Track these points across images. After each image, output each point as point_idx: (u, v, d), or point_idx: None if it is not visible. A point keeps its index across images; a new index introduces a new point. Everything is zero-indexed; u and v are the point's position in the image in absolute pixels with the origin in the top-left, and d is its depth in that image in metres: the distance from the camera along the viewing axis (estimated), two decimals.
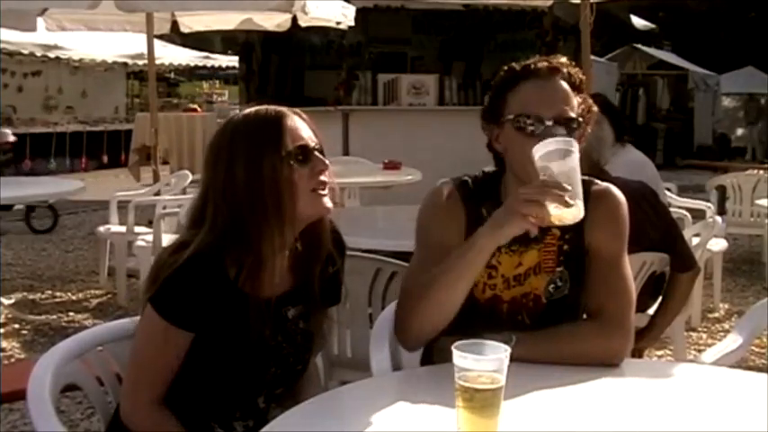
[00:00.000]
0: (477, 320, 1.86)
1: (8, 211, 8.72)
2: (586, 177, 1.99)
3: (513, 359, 1.44)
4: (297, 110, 1.84)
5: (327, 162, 1.80)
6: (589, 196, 1.95)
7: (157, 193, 6.41)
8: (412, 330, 1.88)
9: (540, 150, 1.69)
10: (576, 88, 1.93)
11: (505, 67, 1.97)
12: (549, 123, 1.85)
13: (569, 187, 1.66)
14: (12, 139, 10.61)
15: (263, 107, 1.82)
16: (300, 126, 1.80)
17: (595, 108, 1.98)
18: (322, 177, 1.79)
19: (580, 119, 1.90)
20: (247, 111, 1.83)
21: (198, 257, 1.71)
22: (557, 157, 1.67)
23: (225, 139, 1.80)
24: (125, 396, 1.80)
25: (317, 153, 1.79)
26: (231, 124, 1.82)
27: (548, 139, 1.70)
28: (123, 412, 1.78)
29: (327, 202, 1.80)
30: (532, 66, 1.93)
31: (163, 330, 1.73)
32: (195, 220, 1.80)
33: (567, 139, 1.72)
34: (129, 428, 1.77)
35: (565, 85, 1.91)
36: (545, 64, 1.93)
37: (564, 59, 1.96)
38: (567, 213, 1.66)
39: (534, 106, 1.87)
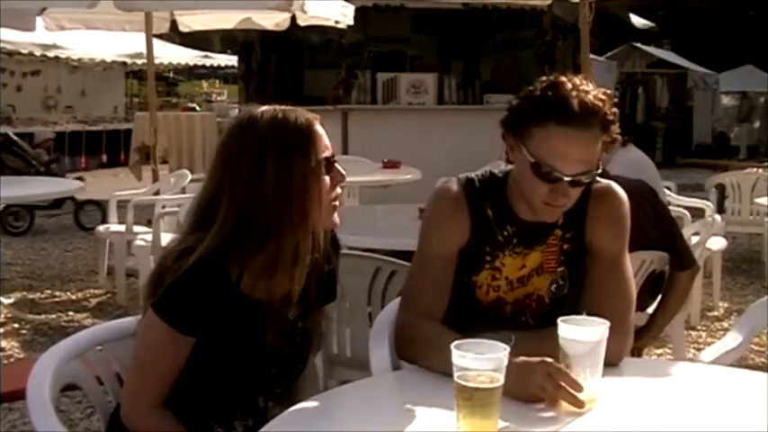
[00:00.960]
0: (480, 322, 1.86)
1: (58, 209, 8.80)
2: None
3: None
4: (318, 116, 1.82)
5: (345, 173, 1.81)
6: (590, 194, 1.95)
7: (157, 193, 6.40)
8: (409, 360, 1.89)
9: (566, 333, 1.60)
10: (606, 128, 1.82)
11: (539, 90, 1.83)
12: (568, 179, 1.80)
13: (586, 383, 1.58)
14: (51, 136, 10.66)
15: (291, 109, 1.80)
16: (324, 135, 1.79)
17: (619, 138, 1.88)
18: (338, 190, 1.80)
19: (597, 170, 1.83)
20: (273, 110, 1.78)
21: (202, 263, 1.69)
22: (583, 348, 1.60)
23: (250, 136, 1.75)
24: (126, 399, 1.80)
25: (337, 165, 1.80)
26: (257, 122, 1.76)
27: (580, 327, 1.61)
28: (124, 414, 1.78)
29: (337, 216, 1.82)
30: (568, 107, 1.77)
31: (165, 335, 1.72)
32: (201, 221, 1.76)
33: (597, 330, 1.61)
34: (129, 430, 1.78)
35: (595, 133, 1.79)
36: (581, 107, 1.77)
37: (601, 98, 1.81)
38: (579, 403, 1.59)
39: (557, 160, 1.79)
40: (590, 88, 1.83)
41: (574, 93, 1.79)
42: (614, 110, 1.84)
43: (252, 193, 1.72)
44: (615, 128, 1.85)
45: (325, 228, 1.82)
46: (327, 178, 1.77)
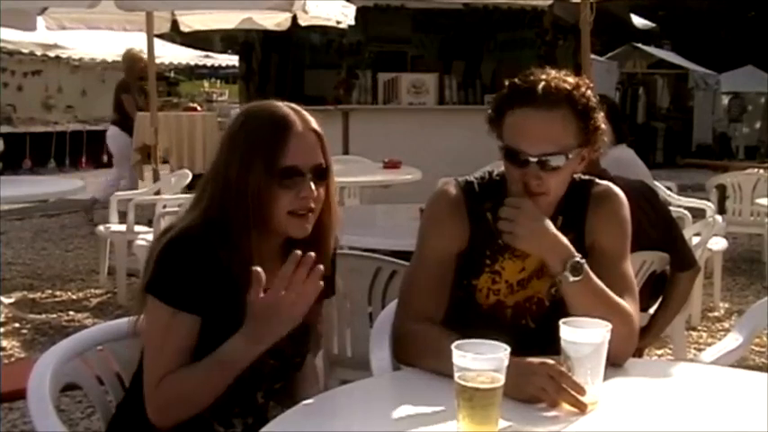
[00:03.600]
0: (481, 326, 1.84)
1: None
2: (587, 177, 1.99)
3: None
4: (311, 122, 1.81)
5: (314, 189, 1.77)
6: (589, 197, 1.95)
7: (158, 193, 6.40)
8: (408, 364, 1.88)
9: (568, 335, 1.59)
10: (581, 113, 1.83)
11: (508, 82, 1.89)
12: (533, 160, 1.81)
13: (588, 386, 1.58)
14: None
15: (279, 109, 1.80)
16: (304, 143, 1.78)
17: (604, 126, 1.89)
18: (306, 203, 1.77)
19: (570, 154, 1.82)
20: (264, 107, 1.83)
21: (186, 236, 1.74)
22: (585, 350, 1.59)
23: (234, 130, 1.82)
24: (149, 396, 1.75)
25: (308, 178, 1.77)
26: (245, 117, 1.83)
27: (581, 329, 1.59)
28: (150, 410, 1.74)
29: (304, 225, 1.79)
30: (532, 90, 1.82)
31: (165, 315, 1.73)
32: (193, 201, 1.83)
33: (599, 332, 1.60)
34: (158, 426, 1.75)
35: (562, 114, 1.81)
36: (544, 89, 1.81)
37: (570, 81, 1.85)
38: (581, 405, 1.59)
39: (521, 140, 1.82)
40: (562, 74, 1.85)
41: (543, 78, 1.84)
42: (586, 98, 1.84)
43: (222, 182, 1.78)
44: (597, 115, 1.86)
45: (290, 236, 1.81)
46: (292, 190, 1.75)
